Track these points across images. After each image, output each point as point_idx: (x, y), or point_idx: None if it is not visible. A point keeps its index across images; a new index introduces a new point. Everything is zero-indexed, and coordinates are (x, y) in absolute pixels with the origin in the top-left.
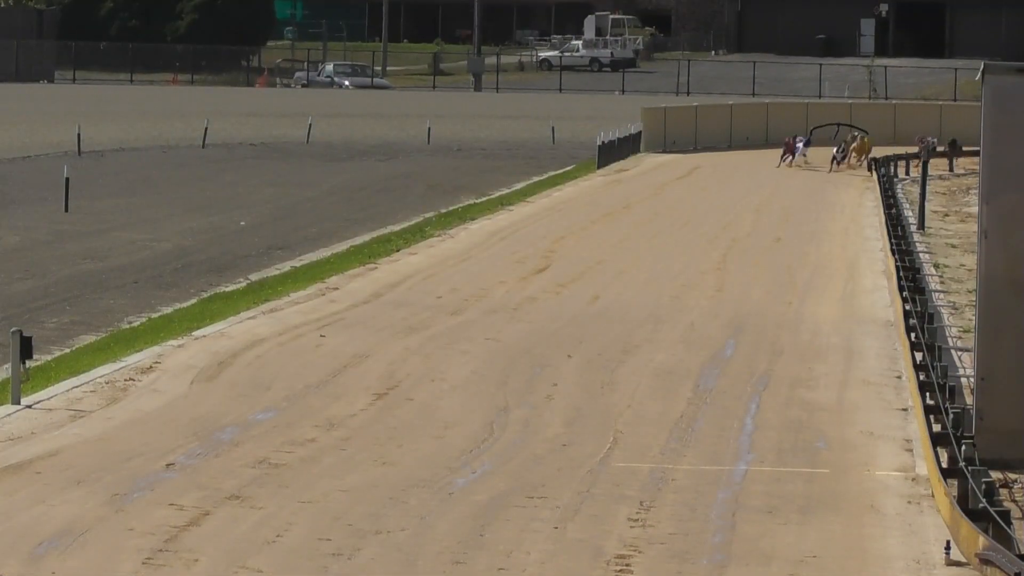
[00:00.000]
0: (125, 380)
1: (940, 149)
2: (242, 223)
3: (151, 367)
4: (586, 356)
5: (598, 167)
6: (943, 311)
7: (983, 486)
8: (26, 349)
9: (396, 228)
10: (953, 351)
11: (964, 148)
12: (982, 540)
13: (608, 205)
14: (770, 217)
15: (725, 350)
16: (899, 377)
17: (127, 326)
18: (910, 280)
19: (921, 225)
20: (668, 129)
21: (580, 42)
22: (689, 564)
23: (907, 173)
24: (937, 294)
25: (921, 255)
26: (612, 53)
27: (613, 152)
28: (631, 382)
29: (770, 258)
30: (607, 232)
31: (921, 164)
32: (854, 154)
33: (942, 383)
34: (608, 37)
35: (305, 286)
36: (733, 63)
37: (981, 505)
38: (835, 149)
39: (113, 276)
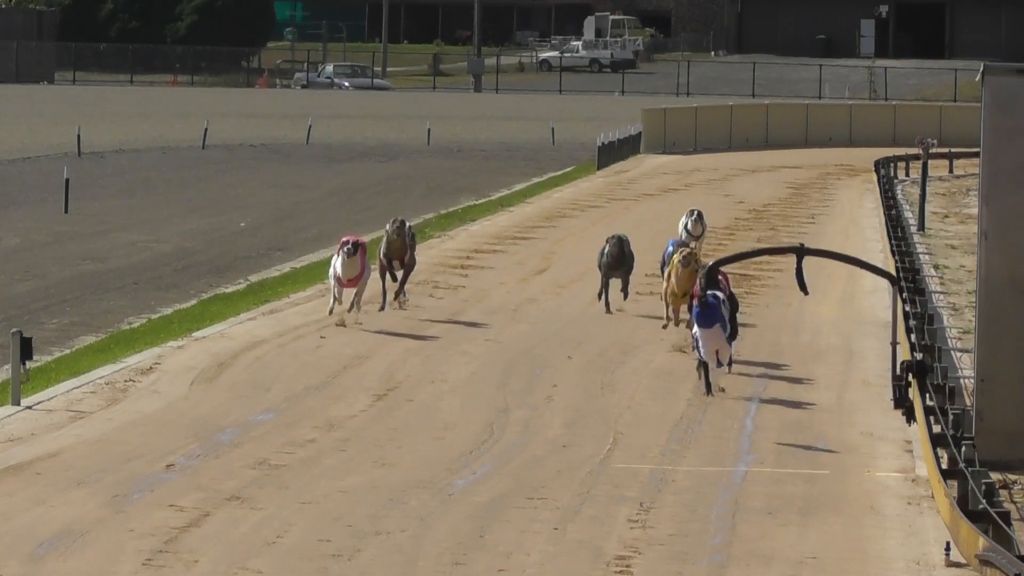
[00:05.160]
0: (125, 381)
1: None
2: (242, 224)
3: (151, 368)
4: (586, 357)
5: (598, 168)
6: (943, 312)
7: (983, 487)
8: (26, 350)
9: None
10: (953, 352)
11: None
12: (982, 541)
13: (608, 206)
14: (770, 218)
15: None
16: None
17: (127, 327)
18: (910, 281)
19: (921, 226)
20: (668, 130)
21: (580, 43)
22: (689, 565)
23: (907, 174)
24: (937, 295)
25: (921, 256)
26: (612, 54)
27: (613, 153)
28: (631, 383)
29: (770, 258)
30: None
31: (921, 165)
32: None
33: (942, 384)
34: (608, 38)
35: (305, 287)
36: (733, 64)
37: (981, 506)
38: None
39: (113, 277)
